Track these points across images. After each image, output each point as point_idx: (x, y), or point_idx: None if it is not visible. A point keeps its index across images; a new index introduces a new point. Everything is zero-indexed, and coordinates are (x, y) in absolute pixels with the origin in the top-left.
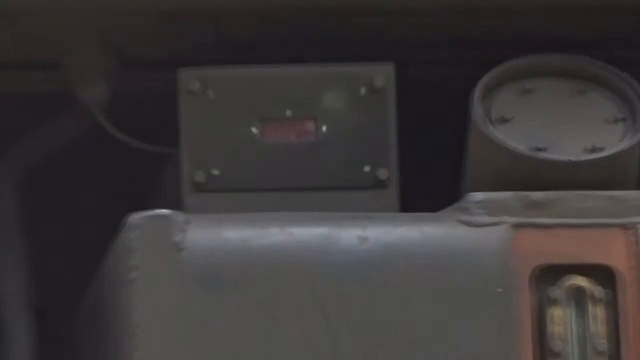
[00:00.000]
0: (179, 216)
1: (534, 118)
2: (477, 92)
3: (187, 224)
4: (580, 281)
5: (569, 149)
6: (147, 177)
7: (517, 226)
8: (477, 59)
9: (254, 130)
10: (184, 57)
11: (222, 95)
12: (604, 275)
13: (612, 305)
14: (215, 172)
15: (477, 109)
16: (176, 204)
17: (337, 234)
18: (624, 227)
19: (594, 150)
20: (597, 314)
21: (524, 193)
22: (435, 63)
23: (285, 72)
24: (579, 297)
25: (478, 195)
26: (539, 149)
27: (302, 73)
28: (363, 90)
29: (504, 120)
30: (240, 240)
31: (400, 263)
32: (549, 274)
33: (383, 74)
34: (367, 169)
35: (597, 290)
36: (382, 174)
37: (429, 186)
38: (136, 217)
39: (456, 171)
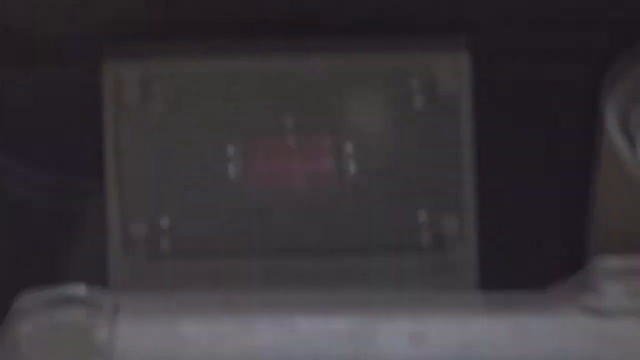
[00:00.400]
0: (102, 299)
1: None
2: (611, 101)
3: (116, 313)
4: None
5: None
6: (47, 229)
7: None
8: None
9: (229, 154)
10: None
11: (177, 107)
12: None
13: None
14: (163, 222)
15: (611, 126)
16: (96, 277)
17: (372, 330)
18: None
19: None
20: None
21: None
22: (524, 54)
23: (284, 66)
24: None
25: (613, 263)
26: None
27: (313, 68)
28: (419, 99)
29: None
30: (207, 343)
31: None
32: None
33: (451, 70)
34: (423, 218)
35: None
36: (449, 226)
37: (525, 246)
38: (28, 301)
39: (572, 220)
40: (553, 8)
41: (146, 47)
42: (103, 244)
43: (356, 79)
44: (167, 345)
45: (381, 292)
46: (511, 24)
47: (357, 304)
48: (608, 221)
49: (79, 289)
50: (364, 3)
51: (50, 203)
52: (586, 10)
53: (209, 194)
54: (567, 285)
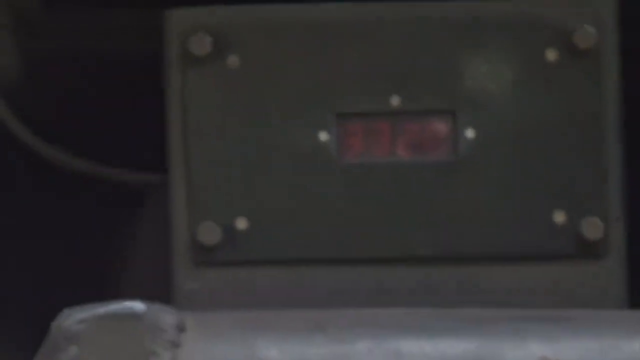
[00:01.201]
0: (166, 316)
1: None
2: None
3: (182, 331)
4: None
5: None
6: (95, 231)
7: None
8: None
9: (322, 137)
10: None
11: (257, 64)
12: None
13: None
14: (241, 225)
15: None
16: (159, 286)
17: (497, 356)
18: None
19: None
20: None
21: None
22: None
23: (387, 12)
24: None
25: None
26: None
27: (422, 15)
28: (552, 54)
29: None
30: None
31: None
32: None
33: (594, 20)
34: (559, 218)
35: None
36: (592, 228)
37: None
38: (73, 320)
39: None
40: None
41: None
42: (166, 252)
43: (475, 28)
44: None
45: (507, 308)
46: None
47: (477, 323)
48: None
49: (136, 305)
50: None
51: (97, 200)
52: None
53: (299, 183)
54: None
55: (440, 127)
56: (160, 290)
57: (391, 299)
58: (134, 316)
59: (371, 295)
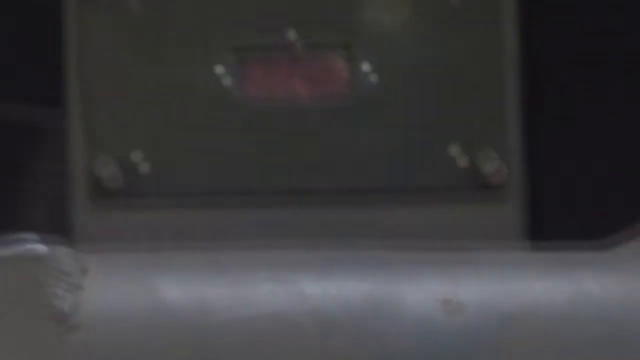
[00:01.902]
0: (68, 259)
1: None
2: None
3: (84, 273)
4: None
5: None
6: None
7: None
8: None
9: (218, 71)
10: None
11: (153, 1)
12: None
13: None
14: (138, 158)
15: None
16: (56, 223)
17: (396, 295)
18: None
19: None
20: None
21: None
22: None
23: None
24: None
25: None
26: None
27: None
28: None
29: None
30: (193, 311)
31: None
32: None
33: None
34: (455, 153)
35: None
36: (490, 165)
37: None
38: None
39: None
40: None
41: None
42: (63, 188)
43: None
44: (145, 314)
45: (408, 248)
46: None
47: (379, 264)
48: None
49: (38, 247)
50: None
51: None
52: None
53: (197, 119)
54: (631, 230)
55: (337, 60)
56: (56, 228)
57: (291, 235)
58: (36, 259)
59: (271, 232)
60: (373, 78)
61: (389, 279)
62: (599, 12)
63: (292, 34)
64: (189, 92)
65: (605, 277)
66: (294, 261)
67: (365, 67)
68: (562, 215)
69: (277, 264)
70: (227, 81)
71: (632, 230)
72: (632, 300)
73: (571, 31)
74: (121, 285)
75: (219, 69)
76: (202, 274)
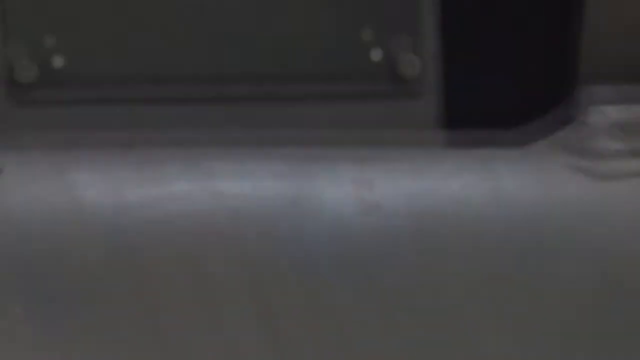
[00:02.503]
0: None
1: None
2: None
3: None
4: None
5: None
6: None
7: None
8: None
9: None
10: None
11: None
12: None
13: None
14: (50, 40)
15: None
16: None
17: (308, 175)
18: None
19: None
20: None
21: None
22: None
23: None
24: None
25: (603, 92)
26: None
27: None
28: None
29: None
30: (112, 206)
31: (456, 256)
32: None
33: None
34: (371, 46)
35: None
36: (405, 60)
37: (495, 77)
38: None
39: (555, 41)
40: None
41: None
42: None
43: None
44: (60, 214)
45: (326, 146)
46: None
47: (296, 163)
48: (599, 38)
49: None
50: None
51: None
52: None
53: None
54: (546, 120)
55: None
56: None
57: (203, 125)
58: None
59: (185, 124)
60: None
61: (306, 178)
62: None
63: None
64: None
65: (520, 174)
66: (211, 161)
67: None
68: (476, 106)
69: (194, 163)
70: None
71: (544, 120)
72: (548, 196)
73: None
74: (37, 183)
75: None
76: (118, 172)
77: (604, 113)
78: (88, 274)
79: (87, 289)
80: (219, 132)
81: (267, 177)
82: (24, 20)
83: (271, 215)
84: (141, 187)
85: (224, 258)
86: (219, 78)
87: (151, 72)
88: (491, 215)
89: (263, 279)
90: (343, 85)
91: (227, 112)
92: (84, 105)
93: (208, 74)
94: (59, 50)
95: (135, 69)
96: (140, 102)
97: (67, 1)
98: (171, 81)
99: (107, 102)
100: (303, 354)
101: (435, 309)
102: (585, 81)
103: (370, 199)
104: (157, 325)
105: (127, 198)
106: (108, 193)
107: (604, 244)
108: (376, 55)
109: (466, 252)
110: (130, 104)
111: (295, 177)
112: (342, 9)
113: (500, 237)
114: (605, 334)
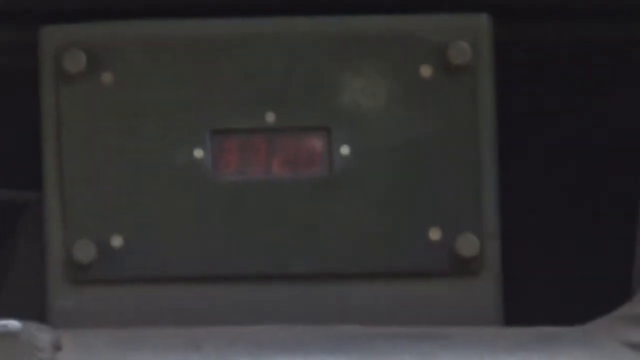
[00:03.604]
0: (42, 335)
1: None
2: None
3: (58, 350)
4: None
5: None
6: None
7: None
8: None
9: (197, 154)
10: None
11: (131, 81)
12: None
13: None
14: (117, 242)
15: None
16: (37, 304)
17: None
18: None
19: None
20: None
21: None
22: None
23: (259, 32)
24: None
25: None
26: None
27: (299, 33)
28: (427, 70)
29: None
30: None
31: None
32: None
33: (468, 36)
34: (434, 235)
35: None
36: (467, 245)
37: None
38: None
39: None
40: None
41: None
42: (41, 270)
43: (349, 44)
44: None
45: (383, 326)
46: None
47: (353, 341)
48: None
49: (11, 323)
50: None
51: None
52: None
53: (173, 198)
54: (607, 319)
55: (316, 143)
56: (37, 309)
57: (266, 316)
58: (9, 335)
59: (247, 312)
60: (351, 159)
61: (363, 355)
62: (576, 90)
63: (270, 117)
64: (166, 174)
65: (577, 352)
66: (267, 338)
67: (344, 149)
68: (540, 303)
69: (251, 340)
70: (205, 163)
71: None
72: None
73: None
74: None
75: (198, 152)
76: (177, 351)
77: None
78: None
79: None
80: (280, 318)
81: (324, 353)
82: (89, 218)
83: None
84: None
85: None
86: (281, 274)
87: (214, 264)
88: None
89: None
90: (409, 277)
91: (290, 301)
92: (142, 285)
93: (271, 269)
94: (117, 231)
95: (196, 260)
96: (196, 281)
97: (131, 201)
98: (233, 273)
99: (164, 282)
100: None
101: None
102: None
103: None
104: None
105: None
106: None
107: None
108: (434, 234)
109: None
110: (187, 283)
111: (353, 354)
112: (409, 209)
113: None
114: None
